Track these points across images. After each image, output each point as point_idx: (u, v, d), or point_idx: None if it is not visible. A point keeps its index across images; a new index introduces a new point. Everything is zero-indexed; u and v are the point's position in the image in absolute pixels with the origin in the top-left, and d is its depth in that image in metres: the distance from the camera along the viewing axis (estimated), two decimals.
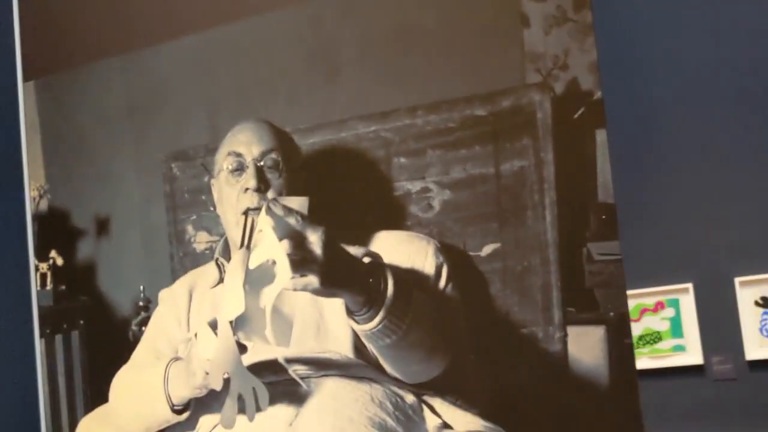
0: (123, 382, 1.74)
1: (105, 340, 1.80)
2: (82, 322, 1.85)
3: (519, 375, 1.34)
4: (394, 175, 1.52)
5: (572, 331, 1.32)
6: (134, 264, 1.74)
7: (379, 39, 1.43)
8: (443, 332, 1.42)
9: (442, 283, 1.46)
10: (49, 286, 1.86)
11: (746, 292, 1.60)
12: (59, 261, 1.87)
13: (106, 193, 1.81)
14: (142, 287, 1.76)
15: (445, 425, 1.42)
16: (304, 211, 1.40)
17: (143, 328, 1.74)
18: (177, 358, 1.61)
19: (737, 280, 1.62)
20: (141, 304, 1.75)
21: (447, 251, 1.45)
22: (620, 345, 1.25)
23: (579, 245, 1.28)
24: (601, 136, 1.26)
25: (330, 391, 1.48)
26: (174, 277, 1.74)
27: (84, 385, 1.84)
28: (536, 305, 1.37)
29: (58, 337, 1.89)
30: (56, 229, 1.90)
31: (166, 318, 1.72)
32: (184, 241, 1.75)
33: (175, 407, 1.59)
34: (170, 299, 1.73)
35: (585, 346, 1.27)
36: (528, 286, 1.37)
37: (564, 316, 1.34)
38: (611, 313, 1.25)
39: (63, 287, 1.85)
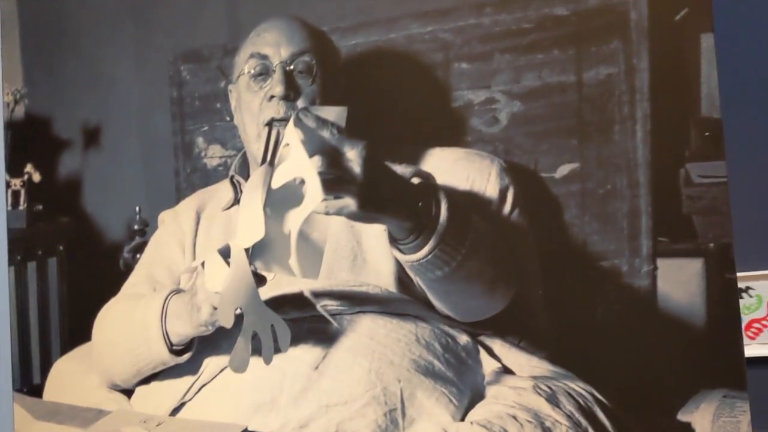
0: (110, 316, 1.60)
1: (89, 269, 1.65)
2: (61, 247, 1.69)
3: (596, 313, 1.22)
4: (453, 83, 1.38)
5: (663, 263, 1.20)
6: (129, 181, 1.58)
7: None
8: (506, 263, 1.32)
9: (507, 208, 1.36)
10: (22, 206, 1.70)
11: None
12: (36, 177, 1.70)
13: (97, 98, 1.65)
14: (138, 208, 1.61)
15: (505, 370, 1.32)
16: (341, 123, 1.28)
17: (138, 255, 1.62)
18: (178, 290, 1.49)
19: None
20: (136, 227, 1.60)
21: (514, 171, 1.34)
22: (721, 280, 1.15)
23: (676, 165, 1.18)
24: (706, 40, 1.16)
25: (366, 330, 1.38)
26: (179, 196, 1.61)
27: (61, 320, 1.68)
28: (621, 234, 1.23)
29: (31, 265, 1.73)
30: (34, 140, 1.74)
31: (167, 243, 1.61)
32: (193, 155, 1.60)
33: (174, 347, 1.47)
34: (173, 222, 1.61)
35: (678, 281, 1.17)
36: (611, 213, 1.24)
37: (654, 246, 1.21)
38: (711, 244, 1.16)
39: (39, 207, 1.70)
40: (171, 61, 1.60)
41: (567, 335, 1.25)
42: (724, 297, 1.14)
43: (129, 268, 1.61)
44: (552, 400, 1.25)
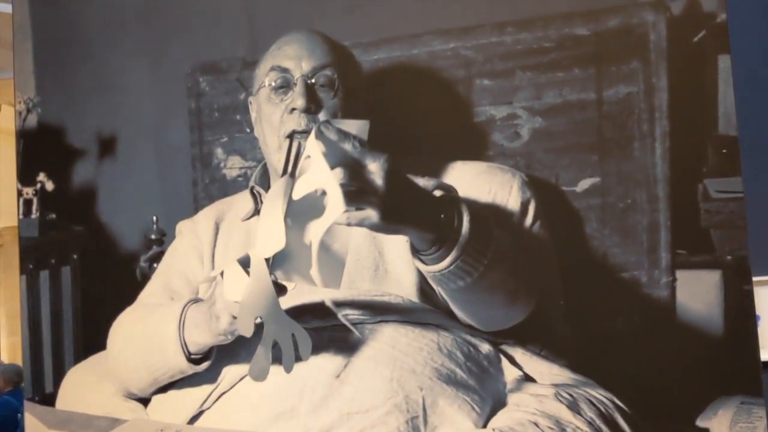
0: (127, 325, 1.61)
1: (104, 278, 1.67)
2: (75, 256, 1.71)
3: (616, 323, 1.28)
4: (475, 98, 1.43)
5: (682, 275, 1.26)
6: (146, 190, 1.61)
7: None
8: (528, 274, 1.35)
9: (529, 220, 1.40)
10: (34, 214, 1.71)
11: None
12: (49, 185, 1.72)
13: (113, 107, 1.67)
14: (155, 217, 1.63)
15: (527, 378, 1.36)
16: (364, 136, 1.31)
17: (155, 265, 1.64)
18: (196, 300, 1.50)
19: None
20: (153, 236, 1.62)
21: (535, 185, 1.38)
22: (738, 291, 1.22)
23: (694, 181, 1.25)
24: (724, 61, 1.23)
25: (388, 339, 1.40)
26: (197, 206, 1.63)
27: (75, 329, 1.69)
28: (640, 246, 1.30)
29: (44, 274, 1.74)
30: (46, 149, 1.76)
31: (185, 253, 1.62)
32: (212, 165, 1.63)
33: (192, 356, 1.48)
34: (191, 232, 1.63)
35: (697, 292, 1.23)
36: (631, 226, 1.30)
37: (673, 258, 1.28)
38: (729, 257, 1.22)
39: (52, 216, 1.71)
40: (189, 72, 1.63)
41: (588, 344, 1.30)
42: (741, 307, 1.21)
43: (145, 278, 1.63)
44: (573, 407, 1.29)
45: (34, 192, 1.70)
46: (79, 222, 1.69)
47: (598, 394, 1.30)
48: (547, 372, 1.34)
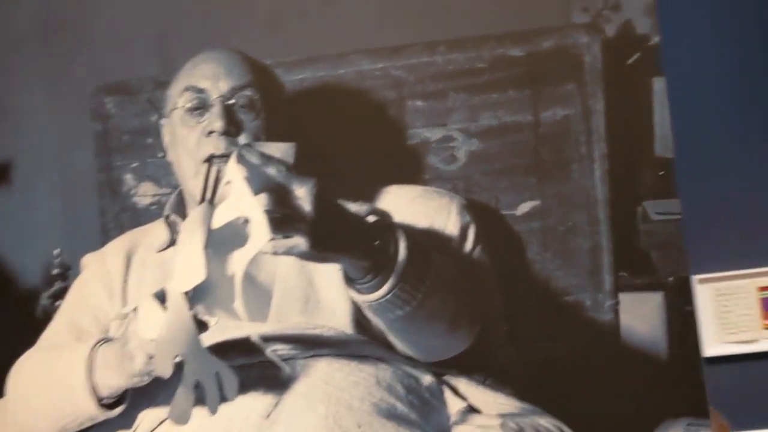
0: (28, 369, 1.48)
1: (2, 317, 1.54)
2: None
3: (562, 348, 1.28)
4: (408, 120, 1.41)
5: (625, 297, 1.28)
6: (46, 221, 1.48)
7: None
8: (469, 301, 1.31)
9: (469, 245, 1.37)
10: None
11: None
12: None
13: (6, 132, 1.54)
14: (57, 250, 1.53)
15: (472, 409, 1.31)
16: (289, 159, 1.27)
17: (58, 302, 1.53)
18: (107, 339, 1.42)
19: None
20: (56, 271, 1.51)
21: (475, 209, 1.35)
22: (681, 313, 1.24)
23: (633, 203, 1.26)
24: (658, 83, 1.26)
25: (322, 374, 1.35)
26: (105, 237, 1.54)
27: None
28: (582, 269, 1.30)
29: None
30: None
31: (92, 288, 1.50)
32: (121, 193, 1.53)
33: (104, 400, 1.39)
34: (99, 265, 1.51)
35: (640, 315, 1.24)
36: (573, 249, 1.31)
37: (616, 281, 1.29)
38: (670, 278, 1.24)
39: None
40: (92, 92, 1.53)
41: (533, 371, 1.30)
42: (684, 329, 1.23)
43: (48, 317, 1.50)
44: None
45: None
46: None
47: (546, 422, 1.29)
48: (492, 401, 1.32)
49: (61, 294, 1.52)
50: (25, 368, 1.49)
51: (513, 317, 1.33)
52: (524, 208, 1.35)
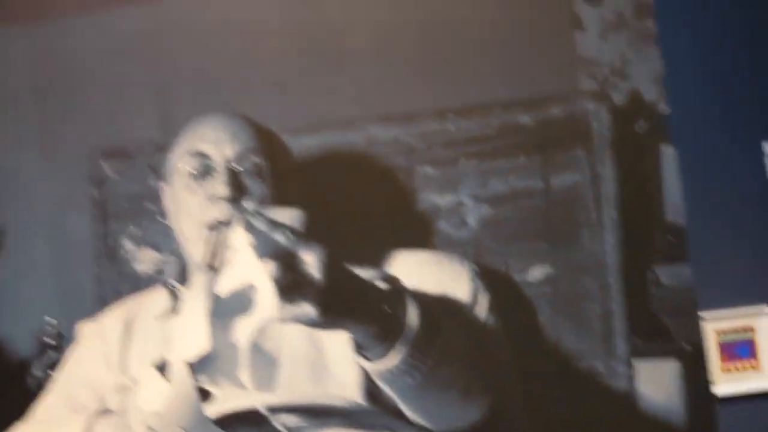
0: None
1: None
2: None
3: (576, 416, 1.30)
4: (418, 186, 1.45)
5: (640, 364, 1.31)
6: (39, 289, 1.47)
7: (397, 27, 1.37)
8: (482, 368, 1.31)
9: (481, 312, 1.37)
10: None
11: None
12: None
13: None
14: (50, 319, 1.50)
15: None
16: (297, 226, 1.30)
17: (51, 372, 1.52)
18: (104, 412, 1.41)
19: None
20: (49, 341, 1.49)
21: (486, 275, 1.36)
22: (698, 380, 1.26)
23: (644, 269, 1.30)
24: (667, 151, 1.31)
25: None
26: (102, 305, 1.52)
27: None
28: (595, 335, 1.32)
29: None
30: None
31: (89, 358, 1.50)
32: (119, 259, 1.54)
33: None
34: (96, 334, 1.51)
35: (656, 382, 1.26)
36: (585, 314, 1.33)
37: (628, 347, 1.31)
38: (684, 344, 1.27)
39: None
40: (90, 156, 1.53)
41: None
42: (700, 397, 1.25)
43: (41, 388, 1.49)
44: None
45: None
46: None
47: None
48: None
49: (54, 364, 1.51)
50: None
51: (525, 383, 1.35)
52: (535, 273, 1.38)
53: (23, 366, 1.51)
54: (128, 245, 1.55)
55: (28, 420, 1.49)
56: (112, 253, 1.54)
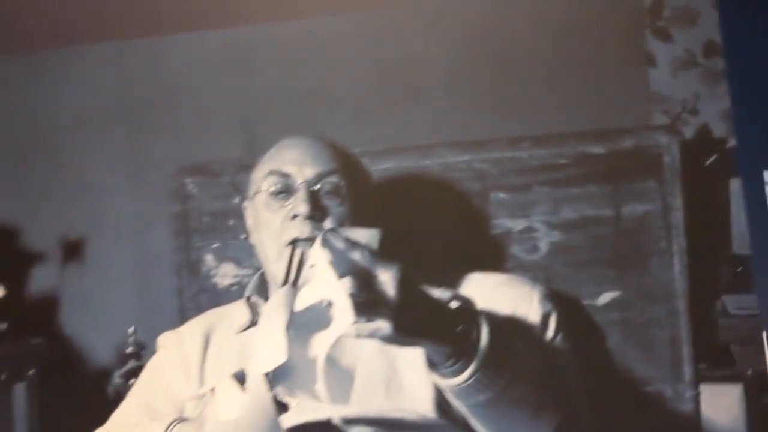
0: None
1: (69, 396, 1.58)
2: (32, 371, 1.60)
3: None
4: (491, 211, 1.53)
5: (706, 389, 1.39)
6: (119, 300, 1.56)
7: (472, 59, 1.47)
8: (551, 388, 1.36)
9: (551, 333, 1.43)
10: None
11: None
12: None
13: (82, 209, 1.62)
14: (132, 329, 1.58)
15: None
16: (374, 245, 1.34)
17: (131, 382, 1.58)
18: (181, 419, 1.45)
19: None
20: (130, 350, 1.56)
21: (556, 298, 1.43)
22: (760, 405, 1.34)
23: (711, 297, 1.38)
24: (735, 185, 1.39)
25: None
26: (183, 317, 1.61)
27: None
28: (663, 360, 1.40)
29: None
30: None
31: (168, 368, 1.55)
32: (201, 273, 1.62)
33: None
34: (176, 345, 1.56)
35: (720, 406, 1.34)
36: (653, 340, 1.41)
37: (696, 372, 1.39)
38: (749, 371, 1.35)
39: (3, 325, 1.60)
40: (173, 174, 1.63)
41: None
42: (764, 420, 1.33)
43: (120, 396, 1.57)
44: None
45: None
46: (37, 333, 1.60)
47: None
48: None
49: (135, 373, 1.58)
50: None
51: (594, 406, 1.42)
52: (605, 299, 1.46)
53: (104, 375, 1.58)
54: (209, 260, 1.64)
55: (108, 426, 1.54)
56: (193, 267, 1.62)
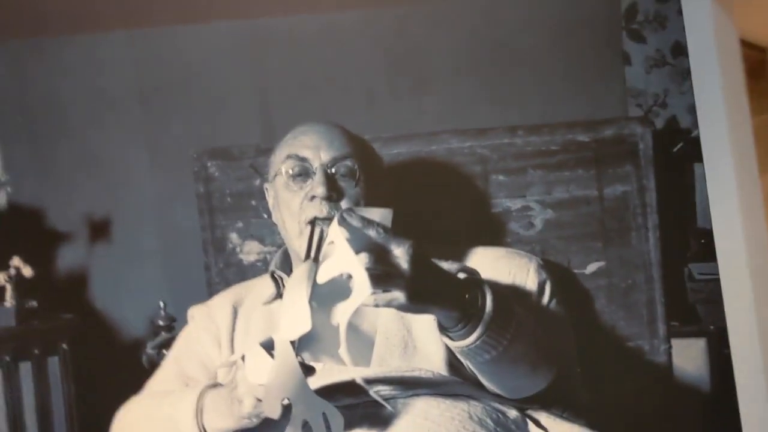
0: (134, 415, 1.62)
1: (102, 367, 1.71)
2: (65, 345, 1.73)
3: (626, 385, 1.66)
4: (492, 192, 1.80)
5: (676, 343, 1.69)
6: (149, 275, 1.68)
7: (472, 54, 1.68)
8: (547, 346, 1.54)
9: (546, 299, 1.61)
10: (9, 302, 1.71)
11: None
12: (26, 271, 1.73)
13: (106, 189, 1.73)
14: (162, 303, 1.72)
15: None
16: (387, 223, 1.38)
17: (163, 352, 1.71)
18: (214, 385, 1.55)
19: None
20: (161, 323, 1.70)
21: (550, 268, 1.66)
22: (720, 355, 1.65)
23: (680, 265, 1.67)
24: (698, 169, 1.67)
25: (421, 411, 1.47)
26: (210, 291, 1.77)
27: (69, 423, 1.71)
28: (641, 320, 1.72)
29: (25, 366, 1.73)
30: (20, 231, 1.75)
31: (200, 338, 1.69)
32: (226, 250, 1.80)
33: None
34: (206, 316, 1.70)
35: (688, 357, 1.65)
36: (633, 302, 1.72)
37: (668, 329, 1.71)
38: (711, 327, 1.66)
39: (33, 303, 1.71)
40: (195, 156, 1.77)
41: (603, 405, 1.65)
42: (723, 368, 1.64)
43: (154, 365, 1.71)
44: None
45: (7, 278, 1.72)
46: (67, 309, 1.72)
47: None
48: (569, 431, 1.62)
49: (167, 344, 1.71)
50: (131, 413, 1.62)
51: (585, 360, 1.70)
52: (592, 268, 1.74)
53: (138, 345, 1.70)
54: (234, 238, 1.81)
55: (144, 392, 1.66)
56: (219, 244, 1.81)
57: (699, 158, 1.72)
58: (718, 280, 1.68)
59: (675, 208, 1.71)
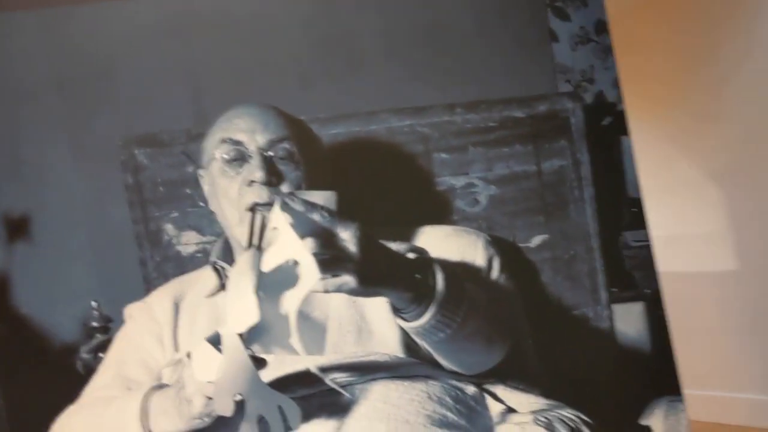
0: (74, 425, 1.55)
1: (33, 377, 1.58)
2: None
3: (574, 352, 1.76)
4: (435, 170, 1.84)
5: (617, 308, 1.81)
6: (79, 275, 1.58)
7: (404, 34, 1.70)
8: (500, 321, 1.60)
9: (495, 273, 1.67)
10: None
11: None
12: None
13: (21, 185, 1.60)
14: (95, 303, 1.62)
15: (509, 409, 1.56)
16: (332, 206, 1.41)
17: (100, 355, 1.66)
18: (159, 386, 1.52)
19: None
20: (95, 324, 1.62)
21: (497, 243, 1.74)
22: (657, 317, 1.77)
23: (616, 234, 1.77)
24: (626, 142, 1.78)
25: (379, 396, 1.50)
26: (149, 287, 1.72)
27: None
28: (585, 289, 1.83)
29: None
30: None
31: (140, 337, 1.64)
32: (162, 242, 1.74)
33: None
34: (145, 314, 1.65)
35: (628, 321, 1.76)
36: (576, 272, 1.83)
37: (609, 296, 1.83)
38: (647, 290, 1.77)
39: None
40: (121, 145, 1.68)
41: (555, 373, 1.74)
42: (659, 328, 1.77)
43: (90, 371, 1.63)
44: (549, 427, 1.61)
45: None
46: None
47: (568, 413, 1.65)
48: (525, 402, 1.62)
49: (103, 347, 1.66)
50: (70, 425, 1.57)
51: (536, 331, 1.78)
52: (536, 241, 1.83)
53: (71, 350, 1.62)
54: (170, 229, 1.74)
55: (82, 401, 1.60)
56: (154, 237, 1.74)
57: (625, 131, 1.85)
58: (649, 246, 1.81)
59: (607, 179, 1.82)
